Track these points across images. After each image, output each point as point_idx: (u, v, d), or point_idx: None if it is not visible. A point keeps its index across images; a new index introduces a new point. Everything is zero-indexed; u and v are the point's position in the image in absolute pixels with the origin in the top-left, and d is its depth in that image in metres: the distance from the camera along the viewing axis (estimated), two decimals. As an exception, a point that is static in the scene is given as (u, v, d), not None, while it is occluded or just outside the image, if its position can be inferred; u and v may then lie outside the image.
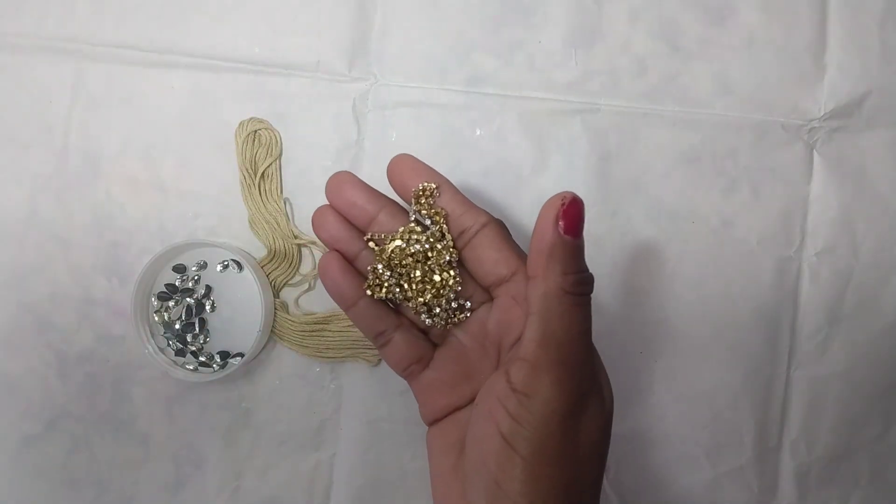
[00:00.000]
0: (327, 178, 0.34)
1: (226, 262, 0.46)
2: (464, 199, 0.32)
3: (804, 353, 0.46)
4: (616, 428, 0.46)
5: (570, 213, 0.29)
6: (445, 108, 0.45)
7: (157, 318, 0.46)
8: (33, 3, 0.45)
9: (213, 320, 0.46)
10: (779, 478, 0.46)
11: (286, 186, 0.46)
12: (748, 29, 0.46)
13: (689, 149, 0.46)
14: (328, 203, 0.33)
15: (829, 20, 0.46)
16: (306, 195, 0.46)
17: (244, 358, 0.43)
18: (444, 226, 0.32)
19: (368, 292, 0.33)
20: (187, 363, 0.45)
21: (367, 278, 0.33)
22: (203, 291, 0.46)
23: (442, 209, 0.32)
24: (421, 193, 0.32)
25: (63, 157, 0.45)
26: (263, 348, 0.45)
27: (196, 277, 0.46)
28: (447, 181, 0.32)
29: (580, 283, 0.29)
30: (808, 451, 0.46)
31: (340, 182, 0.33)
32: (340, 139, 0.45)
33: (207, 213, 0.46)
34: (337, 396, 0.45)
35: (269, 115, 0.45)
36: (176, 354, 0.46)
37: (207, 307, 0.46)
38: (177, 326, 0.45)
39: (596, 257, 0.45)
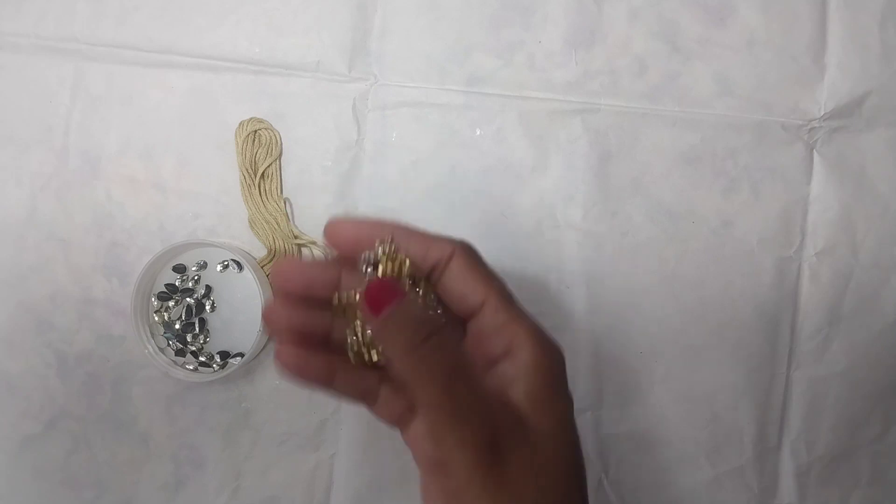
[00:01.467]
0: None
1: (226, 262, 0.46)
2: (423, 234, 0.29)
3: (804, 353, 0.46)
4: (616, 428, 0.47)
5: (374, 295, 0.27)
6: (445, 108, 0.45)
7: (157, 318, 0.46)
8: (33, 3, 0.45)
9: (213, 320, 0.46)
10: (779, 477, 0.46)
11: (286, 186, 0.46)
12: (748, 29, 0.46)
13: (689, 149, 0.46)
14: (278, 294, 0.31)
15: (829, 20, 0.46)
16: (306, 195, 0.46)
17: (244, 358, 0.43)
18: (409, 269, 0.29)
19: (355, 359, 0.29)
20: (187, 363, 0.45)
21: (348, 344, 0.30)
22: (203, 291, 0.46)
23: (404, 257, 0.29)
24: (385, 254, 0.29)
25: (63, 156, 0.45)
26: (263, 348, 0.45)
27: (196, 277, 0.46)
28: (395, 224, 0.29)
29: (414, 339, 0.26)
30: (808, 450, 0.46)
31: (287, 271, 0.30)
32: (340, 139, 0.45)
33: (207, 212, 0.46)
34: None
35: (269, 115, 0.45)
36: (176, 354, 0.46)
37: (207, 307, 0.46)
38: (177, 326, 0.45)
39: (596, 257, 0.45)
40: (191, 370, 0.45)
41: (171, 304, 0.46)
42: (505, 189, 0.45)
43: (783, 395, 0.46)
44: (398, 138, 0.45)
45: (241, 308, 0.46)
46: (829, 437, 0.46)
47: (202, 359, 0.45)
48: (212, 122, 0.45)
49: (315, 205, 0.46)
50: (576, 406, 0.46)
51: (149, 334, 0.45)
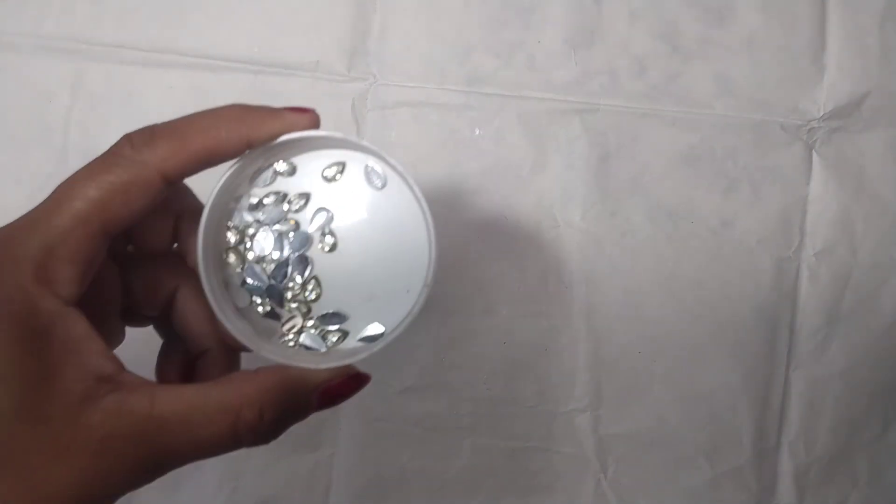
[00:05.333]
0: None
1: (337, 166, 0.28)
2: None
3: (803, 353, 0.46)
4: (615, 428, 0.47)
5: (342, 390, 0.24)
6: (445, 108, 0.45)
7: (232, 260, 0.27)
8: (33, 3, 0.45)
9: (325, 267, 0.28)
10: (777, 478, 0.46)
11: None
12: (748, 29, 0.46)
13: (688, 149, 0.46)
14: None
15: (829, 20, 0.46)
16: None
17: (390, 332, 0.27)
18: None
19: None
20: (284, 336, 0.28)
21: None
22: (310, 214, 0.27)
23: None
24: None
25: (63, 156, 0.45)
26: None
27: (292, 203, 0.28)
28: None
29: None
30: (807, 451, 0.46)
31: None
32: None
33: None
34: (336, 396, 0.45)
35: (268, 115, 0.45)
36: (265, 317, 0.28)
37: (319, 243, 0.28)
38: (266, 269, 0.27)
39: (596, 257, 0.45)
40: (291, 346, 0.27)
41: (251, 231, 0.27)
42: (504, 189, 0.45)
43: (782, 395, 0.46)
44: (397, 138, 0.45)
45: (379, 249, 0.28)
46: (828, 437, 0.46)
47: (311, 328, 0.27)
48: (211, 121, 0.45)
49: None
50: (575, 406, 0.46)
51: (222, 289, 0.27)
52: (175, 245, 0.27)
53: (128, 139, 0.24)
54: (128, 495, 0.47)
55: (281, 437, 0.46)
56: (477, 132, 0.45)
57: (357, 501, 0.45)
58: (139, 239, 0.26)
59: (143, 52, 0.45)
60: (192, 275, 0.25)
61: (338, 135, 0.26)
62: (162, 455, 0.22)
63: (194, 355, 0.27)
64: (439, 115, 0.45)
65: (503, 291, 0.45)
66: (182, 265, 0.27)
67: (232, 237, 0.27)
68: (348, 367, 0.25)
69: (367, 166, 0.27)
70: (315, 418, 0.45)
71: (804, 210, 0.46)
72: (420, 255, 0.26)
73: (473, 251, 0.45)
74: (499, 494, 0.46)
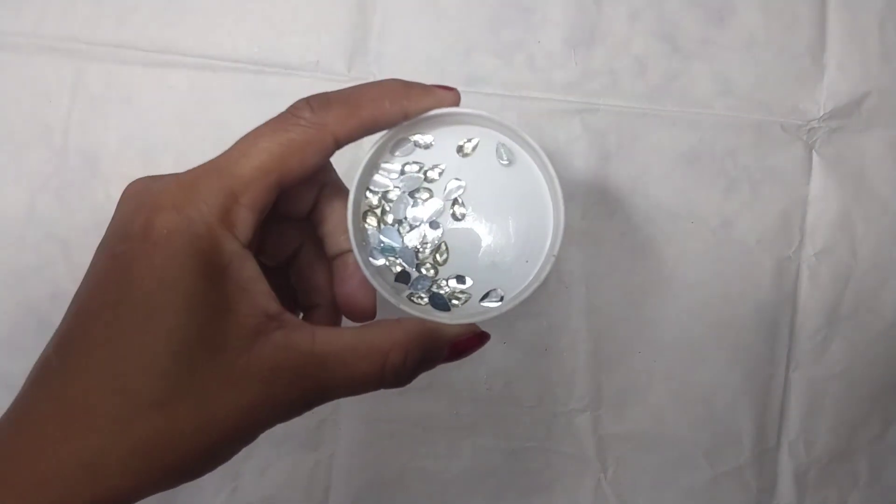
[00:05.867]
0: None
1: (470, 142, 0.30)
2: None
3: (803, 353, 0.46)
4: (615, 428, 0.47)
5: (469, 345, 0.28)
6: (445, 108, 0.45)
7: (372, 221, 0.30)
8: (33, 3, 0.45)
9: (454, 233, 0.30)
10: (777, 478, 0.46)
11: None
12: (748, 29, 0.46)
13: (688, 149, 0.46)
14: None
15: (829, 20, 0.46)
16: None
17: (516, 296, 0.29)
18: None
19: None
20: (416, 294, 0.30)
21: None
22: (444, 185, 0.30)
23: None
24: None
25: (62, 156, 0.45)
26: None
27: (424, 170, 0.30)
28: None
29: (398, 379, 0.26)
30: (807, 451, 0.46)
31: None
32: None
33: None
34: (336, 396, 0.45)
35: (268, 115, 0.45)
36: (396, 279, 0.30)
37: (455, 209, 0.30)
38: (407, 233, 0.30)
39: (595, 257, 0.45)
40: (420, 304, 0.30)
41: (392, 196, 0.30)
42: (504, 189, 0.45)
43: (782, 395, 0.46)
44: (397, 138, 0.45)
45: (500, 218, 0.30)
46: (828, 437, 0.46)
47: (439, 289, 0.30)
48: (211, 122, 0.45)
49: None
50: (575, 406, 0.46)
51: (363, 247, 0.29)
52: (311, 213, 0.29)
53: (307, 102, 0.26)
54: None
55: (281, 437, 0.46)
56: (477, 132, 0.45)
57: (357, 501, 0.45)
58: (286, 202, 0.28)
59: (143, 52, 0.45)
60: (316, 238, 0.28)
61: (480, 112, 0.29)
62: (320, 388, 0.24)
63: (303, 307, 0.30)
64: (439, 115, 0.45)
65: (503, 291, 0.45)
66: (308, 226, 0.29)
67: (374, 199, 0.30)
68: (474, 325, 0.28)
69: (499, 143, 0.30)
70: (315, 418, 0.45)
71: (804, 210, 0.46)
72: (541, 230, 0.29)
73: (473, 251, 0.45)
74: (499, 494, 0.46)
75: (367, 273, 0.27)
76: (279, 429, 0.45)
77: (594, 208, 0.45)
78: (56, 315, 0.49)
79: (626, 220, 0.46)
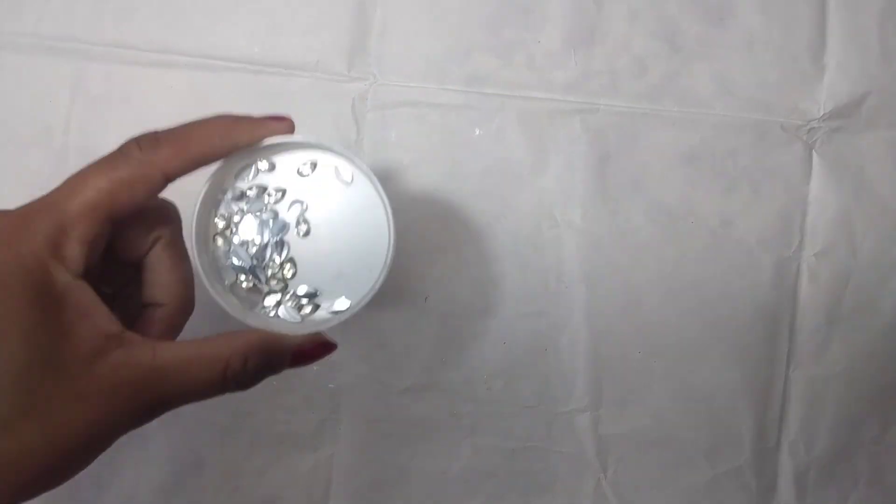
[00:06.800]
0: None
1: (310, 164, 0.32)
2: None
3: (803, 353, 0.46)
4: (615, 428, 0.47)
5: (313, 353, 0.29)
6: (445, 108, 0.45)
7: (220, 243, 0.32)
8: (33, 3, 0.45)
9: (300, 249, 0.32)
10: (777, 478, 0.46)
11: (286, 186, 0.46)
12: (748, 29, 0.46)
13: (688, 149, 0.46)
14: None
15: (829, 20, 0.46)
16: (306, 195, 0.46)
17: (358, 303, 0.31)
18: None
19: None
20: (265, 307, 0.32)
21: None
22: (288, 206, 0.32)
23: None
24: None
25: (62, 156, 0.45)
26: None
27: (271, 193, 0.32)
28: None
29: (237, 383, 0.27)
30: (807, 451, 0.46)
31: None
32: (340, 139, 0.45)
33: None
34: (335, 396, 0.45)
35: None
36: (248, 293, 0.32)
37: (295, 229, 0.32)
38: (249, 251, 0.32)
39: (595, 257, 0.45)
40: (271, 317, 0.32)
41: (237, 218, 0.32)
42: (504, 189, 0.45)
43: (782, 395, 0.46)
44: (397, 138, 0.45)
45: (342, 233, 0.32)
46: (828, 437, 0.46)
47: (287, 301, 0.32)
48: (211, 121, 0.45)
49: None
50: (575, 406, 0.46)
51: (210, 269, 0.31)
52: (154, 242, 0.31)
53: (136, 142, 0.28)
54: (128, 494, 0.46)
55: (281, 437, 0.46)
56: (477, 132, 0.45)
57: (357, 501, 0.45)
58: (120, 245, 0.29)
59: (143, 52, 0.45)
60: (168, 241, 0.30)
61: (310, 139, 0.31)
62: (162, 398, 0.26)
63: (143, 305, 0.30)
64: (439, 115, 0.45)
65: (503, 291, 0.45)
66: (157, 223, 0.30)
67: (220, 223, 0.32)
68: (318, 334, 0.29)
69: (336, 165, 0.32)
70: (315, 418, 0.45)
71: (804, 210, 0.46)
72: (381, 241, 0.31)
73: (473, 251, 0.45)
74: (499, 494, 0.46)
75: (212, 293, 0.30)
76: (279, 429, 0.45)
77: (594, 208, 0.45)
78: (56, 315, 0.48)
79: (626, 221, 0.46)
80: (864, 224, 0.46)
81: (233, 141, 0.29)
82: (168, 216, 0.30)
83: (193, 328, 0.31)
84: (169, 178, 0.28)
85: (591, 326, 0.46)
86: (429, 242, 0.45)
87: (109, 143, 0.46)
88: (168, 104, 0.46)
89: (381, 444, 0.45)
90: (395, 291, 0.45)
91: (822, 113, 0.46)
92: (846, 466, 0.46)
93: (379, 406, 0.45)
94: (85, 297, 0.25)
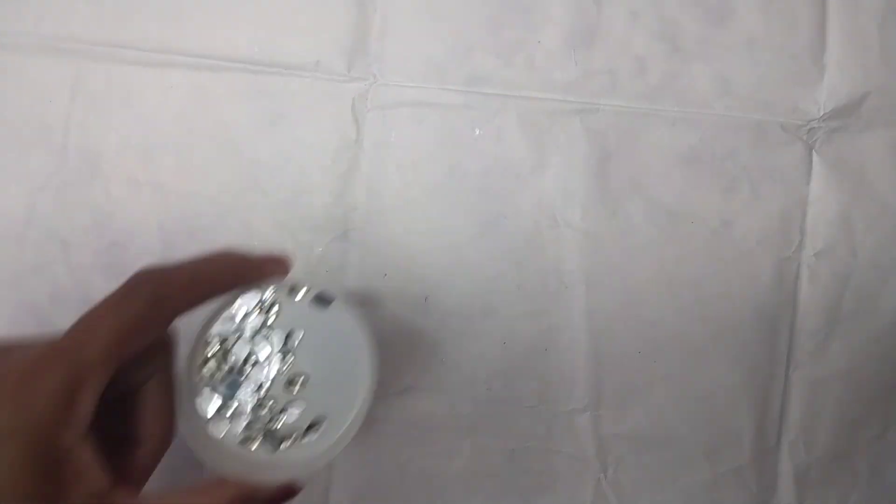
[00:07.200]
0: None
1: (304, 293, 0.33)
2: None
3: (803, 353, 0.46)
4: (615, 428, 0.47)
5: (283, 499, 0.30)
6: (445, 108, 0.45)
7: (209, 370, 0.32)
8: (33, 3, 0.45)
9: (286, 378, 0.33)
10: (777, 478, 0.46)
11: (286, 186, 0.46)
12: (748, 29, 0.46)
13: (688, 149, 0.46)
14: None
15: (829, 20, 0.46)
16: (305, 195, 0.46)
17: (335, 446, 0.32)
18: None
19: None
20: (249, 438, 0.32)
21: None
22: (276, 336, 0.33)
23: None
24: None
25: (62, 156, 0.46)
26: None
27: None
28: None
29: None
30: (807, 451, 0.46)
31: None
32: (339, 139, 0.45)
33: (207, 212, 0.46)
34: (336, 396, 0.45)
35: (268, 115, 0.45)
36: (230, 419, 0.33)
37: (281, 360, 0.33)
38: (237, 381, 0.32)
39: (595, 257, 0.45)
40: (251, 449, 0.32)
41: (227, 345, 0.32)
42: (504, 189, 0.45)
43: (782, 395, 0.46)
44: (397, 138, 0.45)
45: (326, 362, 0.33)
46: (828, 437, 0.46)
47: (269, 435, 0.32)
48: (211, 122, 0.45)
49: (314, 204, 0.46)
50: (575, 406, 0.46)
51: (196, 420, 0.31)
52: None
53: (146, 278, 0.27)
54: (128, 495, 0.46)
55: (281, 438, 0.46)
56: (477, 132, 0.45)
57: (357, 501, 0.45)
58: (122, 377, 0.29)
59: (143, 52, 0.45)
60: (161, 378, 0.30)
61: (304, 280, 0.32)
62: None
63: (125, 437, 0.31)
64: (439, 115, 0.45)
65: (503, 291, 0.45)
66: (155, 356, 0.30)
67: (212, 349, 0.32)
68: (291, 482, 0.30)
69: (316, 294, 0.33)
70: (315, 418, 0.45)
71: (804, 210, 0.46)
72: (363, 364, 0.32)
73: (473, 251, 0.45)
74: (499, 494, 0.46)
75: (196, 453, 0.31)
76: (279, 429, 0.45)
77: (594, 208, 0.45)
78: (56, 315, 0.49)
79: (626, 221, 0.46)
80: (864, 224, 0.46)
81: (238, 283, 0.31)
82: (166, 348, 0.31)
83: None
84: (179, 314, 0.28)
85: (591, 326, 0.46)
86: (429, 242, 0.45)
87: (109, 143, 0.46)
88: (168, 104, 0.46)
89: (382, 444, 0.45)
90: (395, 291, 0.45)
91: (822, 113, 0.46)
92: (846, 466, 0.46)
93: (379, 406, 0.45)
94: (84, 456, 0.25)
